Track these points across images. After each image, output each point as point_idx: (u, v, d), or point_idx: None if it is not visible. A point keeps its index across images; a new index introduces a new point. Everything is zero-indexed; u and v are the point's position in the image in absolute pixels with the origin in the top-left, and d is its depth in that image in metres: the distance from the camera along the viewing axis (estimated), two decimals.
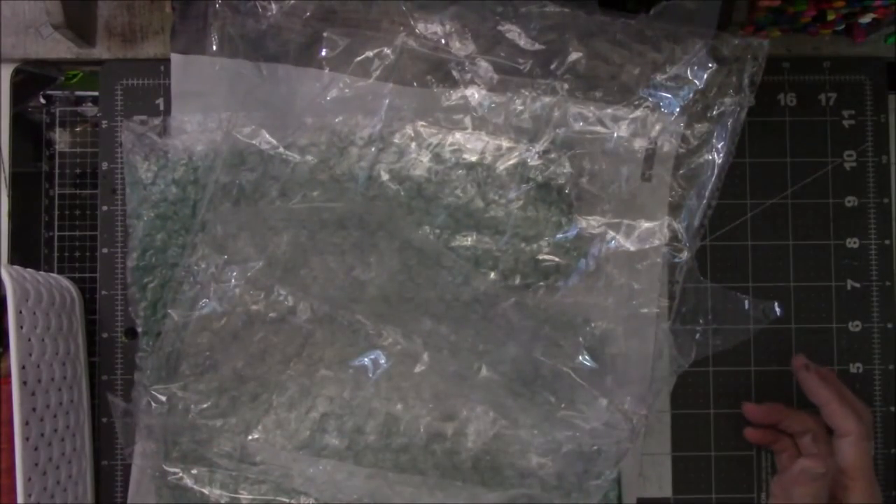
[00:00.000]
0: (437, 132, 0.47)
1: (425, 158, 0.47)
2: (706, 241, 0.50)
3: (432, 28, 0.47)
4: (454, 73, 0.47)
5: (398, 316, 0.46)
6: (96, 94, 0.51)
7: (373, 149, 0.47)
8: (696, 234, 0.47)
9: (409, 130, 0.47)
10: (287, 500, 0.47)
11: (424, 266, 0.47)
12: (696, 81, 0.46)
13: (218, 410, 0.47)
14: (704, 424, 0.50)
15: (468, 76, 0.47)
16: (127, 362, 0.50)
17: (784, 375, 0.50)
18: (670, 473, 0.50)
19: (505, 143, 0.47)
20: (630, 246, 0.47)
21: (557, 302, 0.47)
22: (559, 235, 0.47)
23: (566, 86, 0.47)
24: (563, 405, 0.45)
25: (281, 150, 0.47)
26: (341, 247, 0.47)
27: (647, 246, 0.47)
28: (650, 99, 0.46)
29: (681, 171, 0.47)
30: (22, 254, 0.50)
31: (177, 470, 0.47)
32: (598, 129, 0.47)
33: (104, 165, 0.50)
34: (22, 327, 0.41)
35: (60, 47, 0.50)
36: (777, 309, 0.48)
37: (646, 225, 0.47)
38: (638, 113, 0.47)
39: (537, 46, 0.46)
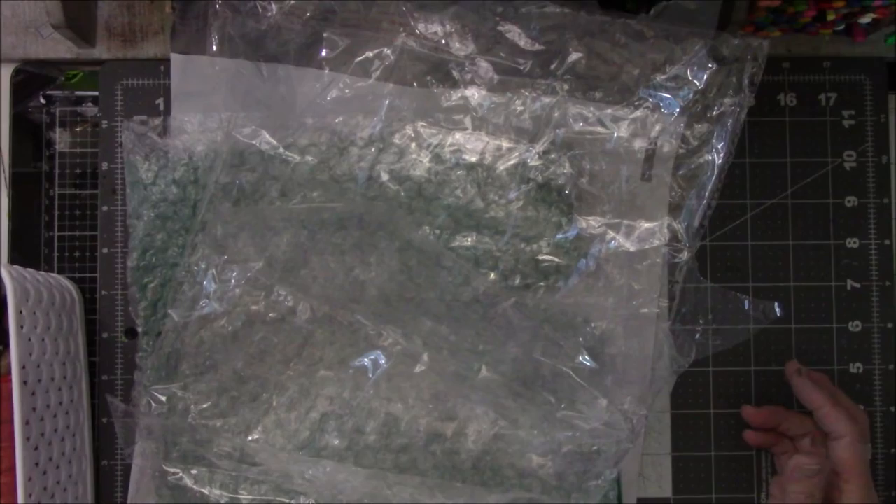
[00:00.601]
0: (437, 132, 0.47)
1: (425, 159, 0.47)
2: (706, 241, 0.50)
3: (432, 28, 0.47)
4: (454, 73, 0.47)
5: (398, 316, 0.46)
6: (96, 94, 0.51)
7: (373, 149, 0.47)
8: (696, 234, 0.47)
9: (409, 131, 0.47)
10: (287, 501, 0.47)
11: (424, 266, 0.47)
12: (695, 82, 0.46)
13: (218, 410, 0.47)
14: (704, 424, 0.50)
15: (468, 76, 0.47)
16: (127, 362, 0.50)
17: (784, 376, 0.50)
18: (670, 473, 0.50)
19: (505, 144, 0.47)
20: (630, 246, 0.47)
21: (557, 302, 0.47)
22: (559, 236, 0.47)
23: (566, 86, 0.47)
24: (562, 405, 0.45)
25: (281, 150, 0.47)
26: (341, 247, 0.47)
27: (647, 246, 0.47)
28: (650, 99, 0.46)
29: (681, 172, 0.47)
30: (22, 254, 0.50)
31: (177, 470, 0.47)
32: (598, 129, 0.47)
33: (104, 165, 0.50)
34: (22, 327, 0.41)
35: (60, 47, 0.50)
36: (777, 309, 0.48)
37: (646, 225, 0.47)
38: (638, 113, 0.47)
39: (537, 46, 0.46)
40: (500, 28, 0.46)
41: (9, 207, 0.50)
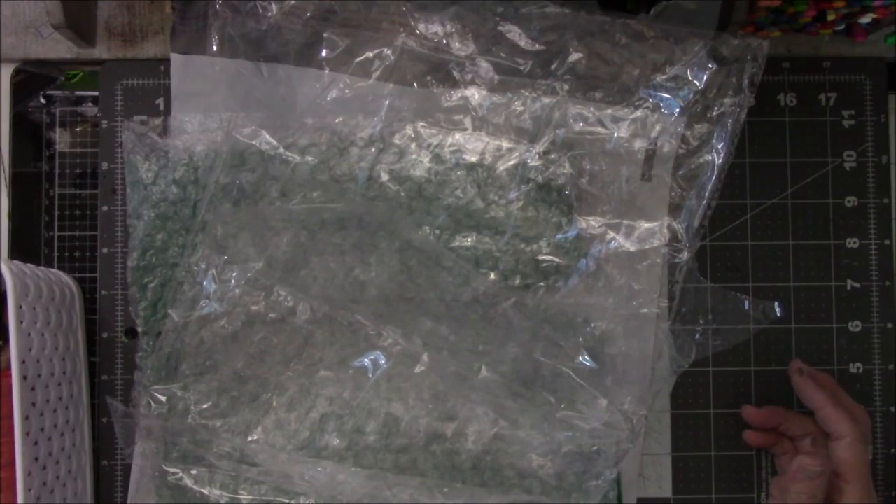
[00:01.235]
0: (437, 133, 0.47)
1: (425, 159, 0.47)
2: (706, 241, 0.50)
3: (432, 28, 0.47)
4: (454, 73, 0.47)
5: (398, 316, 0.46)
6: (96, 94, 0.51)
7: (373, 149, 0.47)
8: (696, 234, 0.47)
9: (409, 131, 0.47)
10: (286, 501, 0.47)
11: (424, 266, 0.47)
12: (695, 82, 0.46)
13: (218, 411, 0.47)
14: (704, 424, 0.50)
15: (468, 76, 0.47)
16: (127, 362, 0.50)
17: (784, 376, 0.50)
18: (670, 473, 0.50)
19: (505, 144, 0.47)
20: (630, 246, 0.47)
21: (557, 302, 0.47)
22: (559, 236, 0.47)
23: (566, 86, 0.47)
24: (562, 405, 0.45)
25: (281, 150, 0.47)
26: (341, 247, 0.47)
27: (647, 246, 0.47)
28: (650, 99, 0.46)
29: (681, 172, 0.47)
30: (22, 253, 0.50)
31: (176, 470, 0.47)
32: (598, 129, 0.47)
33: (104, 165, 0.50)
34: (22, 322, 0.41)
35: (60, 47, 0.50)
36: (777, 309, 0.48)
37: (646, 225, 0.47)
38: (638, 113, 0.47)
39: (537, 47, 0.46)
40: (500, 28, 0.46)
41: (9, 207, 0.50)
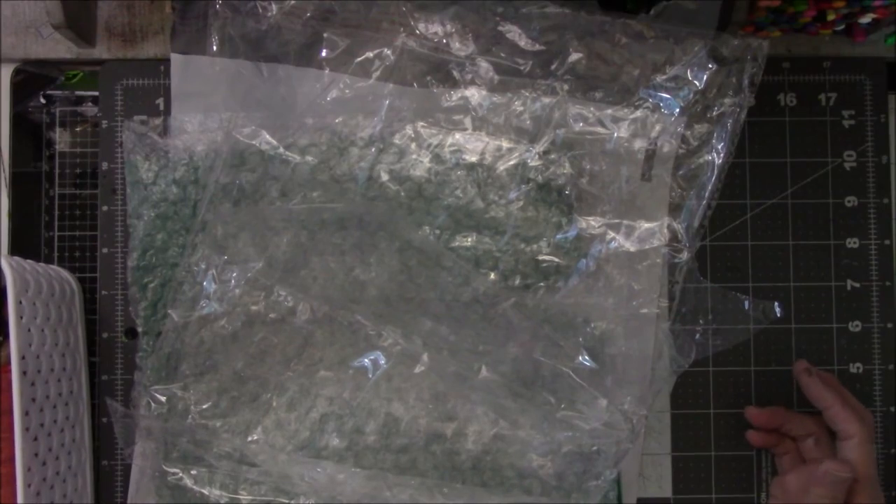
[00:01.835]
0: (437, 133, 0.47)
1: (425, 159, 0.47)
2: (706, 241, 0.50)
3: (432, 28, 0.47)
4: (454, 73, 0.47)
5: (398, 316, 0.46)
6: (96, 94, 0.51)
7: (373, 149, 0.47)
8: (696, 234, 0.47)
9: (409, 131, 0.47)
10: (286, 501, 0.47)
11: (424, 266, 0.47)
12: (695, 82, 0.46)
13: (218, 411, 0.47)
14: (704, 424, 0.50)
15: (468, 76, 0.47)
16: (127, 362, 0.50)
17: (784, 376, 0.50)
18: (670, 473, 0.50)
19: (505, 144, 0.47)
20: (630, 246, 0.47)
21: (557, 302, 0.47)
22: (559, 236, 0.47)
23: (566, 86, 0.47)
24: (562, 406, 0.45)
25: (281, 150, 0.47)
26: (341, 247, 0.47)
27: (647, 246, 0.47)
28: (650, 99, 0.46)
29: (681, 172, 0.47)
30: (22, 253, 0.50)
31: (176, 470, 0.47)
32: (598, 129, 0.47)
33: (104, 165, 0.50)
34: (22, 318, 0.41)
35: (60, 47, 0.50)
36: (777, 309, 0.48)
37: (646, 225, 0.47)
38: (638, 113, 0.47)
39: (537, 47, 0.46)
40: (500, 28, 0.46)
41: (9, 207, 0.50)
